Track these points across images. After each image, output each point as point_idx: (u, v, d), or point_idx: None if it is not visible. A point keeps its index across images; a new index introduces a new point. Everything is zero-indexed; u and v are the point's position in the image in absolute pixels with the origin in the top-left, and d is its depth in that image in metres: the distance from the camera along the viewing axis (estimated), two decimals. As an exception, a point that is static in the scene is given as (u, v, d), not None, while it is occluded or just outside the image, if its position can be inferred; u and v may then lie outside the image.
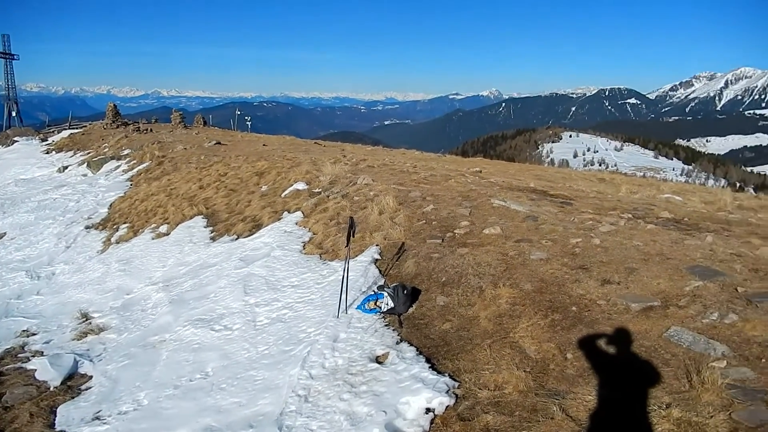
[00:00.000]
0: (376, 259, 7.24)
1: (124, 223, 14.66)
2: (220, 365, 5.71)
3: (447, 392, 4.22)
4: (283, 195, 11.80)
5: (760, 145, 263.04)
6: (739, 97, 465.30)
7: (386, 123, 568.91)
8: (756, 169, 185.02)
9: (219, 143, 26.20)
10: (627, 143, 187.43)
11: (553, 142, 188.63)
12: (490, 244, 6.83)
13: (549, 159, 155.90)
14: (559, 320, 4.95)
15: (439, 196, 9.42)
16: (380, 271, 6.91)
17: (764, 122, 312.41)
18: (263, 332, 6.16)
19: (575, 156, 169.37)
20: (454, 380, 4.42)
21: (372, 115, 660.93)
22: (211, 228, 11.68)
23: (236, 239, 10.24)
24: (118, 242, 13.05)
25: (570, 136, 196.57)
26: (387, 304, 5.74)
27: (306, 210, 10.14)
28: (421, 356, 4.89)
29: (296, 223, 9.66)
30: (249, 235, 10.11)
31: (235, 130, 47.53)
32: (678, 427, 3.41)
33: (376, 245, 7.60)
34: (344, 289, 6.00)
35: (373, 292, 6.20)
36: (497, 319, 5.19)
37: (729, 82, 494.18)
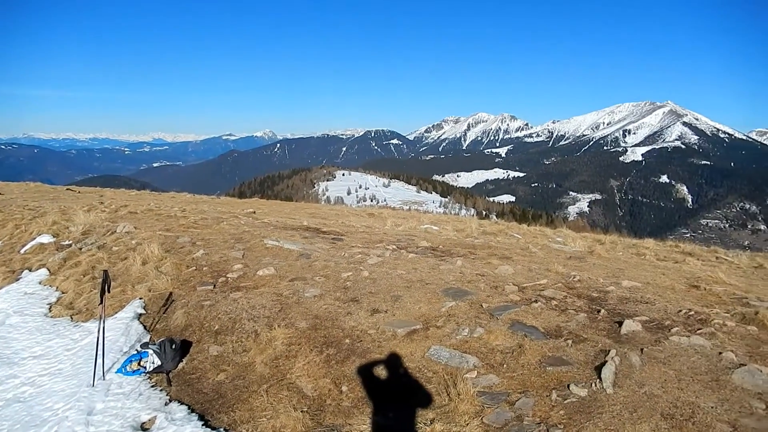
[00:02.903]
0: (140, 314, 6.58)
1: None
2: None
3: (223, 449, 3.97)
4: (22, 251, 10.11)
5: (498, 178, 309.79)
6: (479, 138, 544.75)
7: (155, 165, 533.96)
8: (496, 199, 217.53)
9: (-65, 194, 21.65)
10: (393, 180, 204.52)
11: (328, 180, 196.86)
12: (265, 286, 6.74)
13: (325, 197, 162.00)
14: (334, 354, 5.05)
15: (210, 240, 9.04)
16: (145, 327, 6.29)
17: (499, 159, 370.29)
18: (-5, 418, 5.09)
19: (349, 193, 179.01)
20: (231, 434, 4.18)
21: (138, 157, 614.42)
22: None
23: (-42, 309, 8.41)
24: None
25: (343, 175, 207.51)
26: (153, 363, 5.23)
27: (52, 266, 8.81)
28: (194, 414, 4.53)
29: (40, 283, 8.29)
30: (-24, 303, 8.39)
31: (-39, 177, 39.91)
32: (441, 440, 3.69)
33: (140, 298, 6.93)
34: (100, 352, 5.30)
35: (136, 351, 5.59)
36: (273, 361, 5.08)
37: (470, 125, 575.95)
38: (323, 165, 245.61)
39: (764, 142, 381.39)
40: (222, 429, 4.26)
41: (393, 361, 4.87)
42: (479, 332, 5.18)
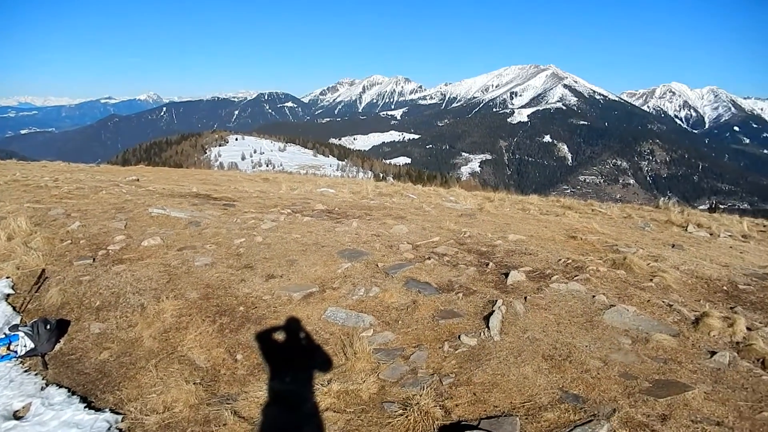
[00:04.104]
0: (8, 294, 5.96)
1: None
2: None
3: (109, 430, 3.73)
4: None
5: (394, 141, 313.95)
6: (375, 101, 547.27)
7: (23, 132, 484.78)
8: (393, 161, 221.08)
9: None
10: (289, 144, 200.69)
11: (220, 145, 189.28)
12: (151, 257, 6.37)
13: (218, 162, 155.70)
14: (228, 323, 4.91)
15: (87, 210, 8.35)
16: (14, 308, 5.71)
17: (395, 122, 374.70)
18: None
19: (243, 158, 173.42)
20: (117, 414, 3.93)
21: (1, 123, 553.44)
22: None
23: None
24: None
25: (236, 140, 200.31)
26: (25, 346, 4.78)
27: None
28: (75, 397, 4.21)
29: None
30: None
31: None
32: (338, 399, 3.72)
33: (7, 277, 6.26)
34: (-40, 339, 4.77)
35: (4, 335, 5.08)
36: (163, 335, 4.84)
37: (366, 87, 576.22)
38: (215, 129, 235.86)
39: (633, 103, 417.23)
40: (107, 409, 4.00)
41: (289, 325, 4.83)
42: (375, 291, 5.26)
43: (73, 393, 4.27)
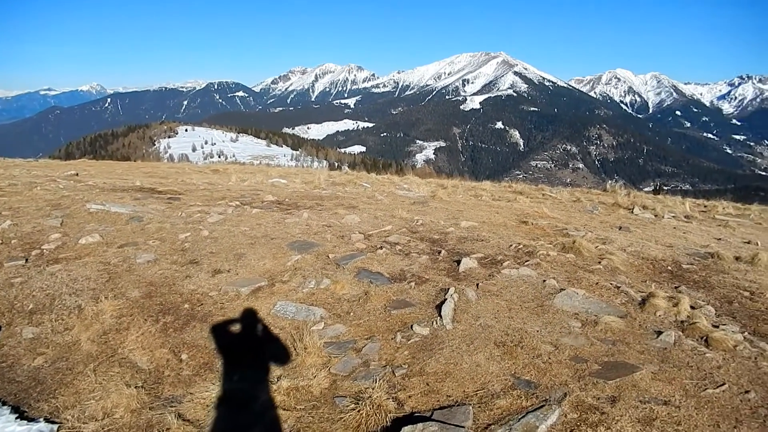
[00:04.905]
0: (-69, 301, 5.57)
1: None
2: None
3: (42, 440, 3.51)
4: None
5: (348, 129, 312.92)
6: (328, 89, 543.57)
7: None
8: (348, 150, 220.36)
9: None
10: (241, 134, 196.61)
11: (169, 137, 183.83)
12: (89, 255, 6.04)
13: (168, 155, 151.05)
14: (172, 322, 4.70)
15: (20, 208, 7.88)
16: (-62, 316, 5.34)
17: (349, 110, 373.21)
18: None
19: (194, 150, 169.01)
20: (53, 423, 3.70)
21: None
22: None
23: None
24: None
25: (186, 130, 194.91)
26: (-51, 356, 4.46)
27: None
28: (5, 407, 3.93)
29: None
30: None
31: None
32: (289, 396, 3.60)
33: (-70, 283, 5.86)
34: None
35: (-74, 345, 4.74)
36: (102, 337, 4.59)
37: (318, 76, 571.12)
38: (163, 120, 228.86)
39: (581, 89, 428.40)
40: (42, 419, 3.76)
41: (237, 321, 4.67)
42: (326, 283, 5.15)
43: (4, 403, 4.00)
